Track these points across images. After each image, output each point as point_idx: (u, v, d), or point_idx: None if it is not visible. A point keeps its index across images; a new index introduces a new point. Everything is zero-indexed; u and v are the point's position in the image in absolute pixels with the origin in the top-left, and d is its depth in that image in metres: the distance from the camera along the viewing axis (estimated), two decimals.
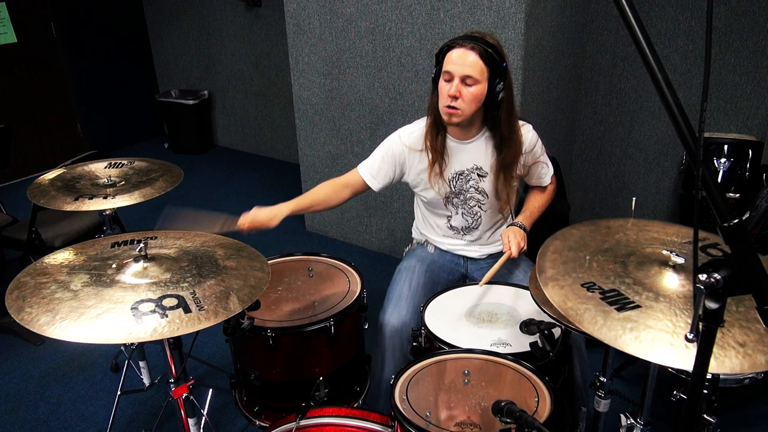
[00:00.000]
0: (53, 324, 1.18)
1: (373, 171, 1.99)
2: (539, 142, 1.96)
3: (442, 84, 1.79)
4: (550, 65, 2.94)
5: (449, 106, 1.78)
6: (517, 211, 2.08)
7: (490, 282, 1.88)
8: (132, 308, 1.24)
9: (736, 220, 0.74)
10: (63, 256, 1.45)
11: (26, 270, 1.38)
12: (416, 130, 1.95)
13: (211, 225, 1.73)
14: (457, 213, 2.00)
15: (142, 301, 1.27)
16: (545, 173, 2.04)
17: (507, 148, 1.87)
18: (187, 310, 1.25)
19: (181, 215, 1.73)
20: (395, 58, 3.05)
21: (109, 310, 1.23)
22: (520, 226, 1.96)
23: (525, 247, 1.91)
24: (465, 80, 1.74)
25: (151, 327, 1.20)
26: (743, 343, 1.02)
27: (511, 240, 1.89)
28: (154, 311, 1.24)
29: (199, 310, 1.25)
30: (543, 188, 2.08)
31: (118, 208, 2.04)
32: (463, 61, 1.73)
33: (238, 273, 1.42)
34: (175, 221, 1.71)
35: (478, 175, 1.93)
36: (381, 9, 2.99)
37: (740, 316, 1.07)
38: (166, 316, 1.22)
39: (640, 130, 3.33)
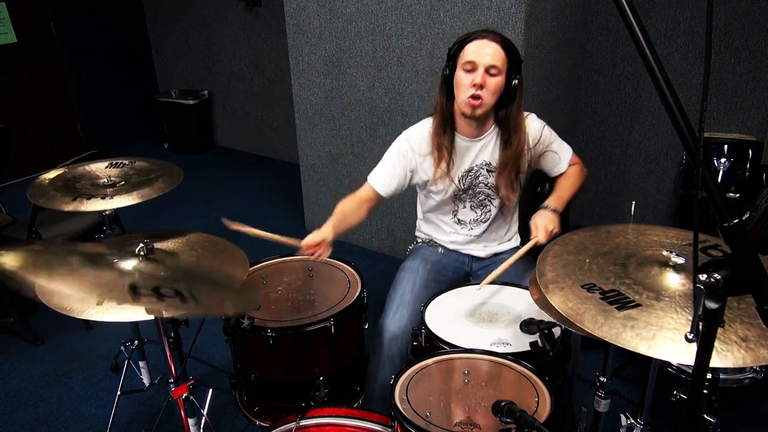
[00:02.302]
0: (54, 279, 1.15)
1: (385, 179, 1.94)
2: (546, 128, 1.94)
3: (461, 76, 1.77)
4: (550, 65, 2.94)
5: (474, 96, 1.76)
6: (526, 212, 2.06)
7: (490, 282, 1.88)
8: (129, 287, 1.19)
9: (736, 220, 0.74)
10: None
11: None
12: (422, 131, 1.93)
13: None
14: (465, 207, 1.99)
15: (140, 285, 1.21)
16: (559, 159, 1.97)
17: (513, 144, 1.86)
18: (183, 300, 1.21)
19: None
20: (395, 58, 3.05)
21: (107, 283, 1.20)
22: (550, 210, 1.86)
23: (557, 230, 1.81)
24: (489, 70, 1.74)
25: (149, 303, 1.16)
26: (745, 337, 1.02)
27: (539, 226, 1.81)
28: (151, 295, 1.19)
29: (196, 303, 1.23)
30: (566, 173, 2.00)
31: (118, 209, 2.03)
32: (488, 50, 1.73)
33: (231, 290, 1.40)
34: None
35: (488, 170, 1.93)
36: (381, 9, 2.99)
37: (741, 312, 1.07)
38: (164, 302, 1.19)
39: (640, 130, 3.33)
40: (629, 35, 0.76)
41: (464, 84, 1.77)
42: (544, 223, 1.81)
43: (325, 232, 1.82)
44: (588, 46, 3.33)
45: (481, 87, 1.75)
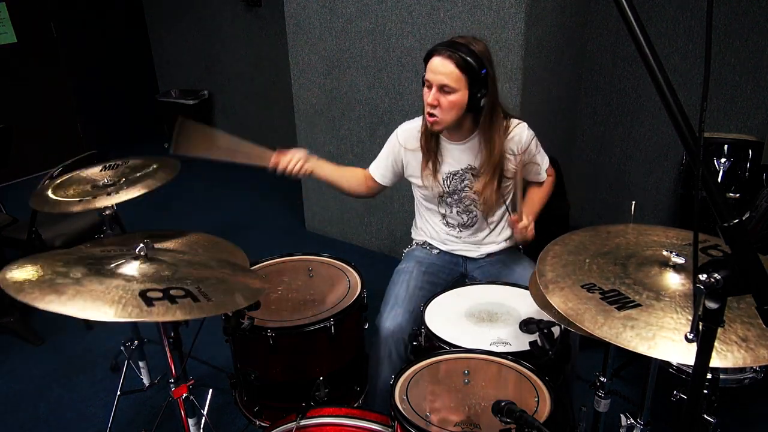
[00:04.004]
0: (65, 302, 1.12)
1: (381, 168, 2.07)
2: (534, 140, 1.95)
3: (424, 91, 1.81)
4: (550, 65, 2.94)
5: (429, 114, 1.80)
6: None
7: (489, 282, 1.89)
8: (140, 294, 1.19)
9: (736, 220, 0.74)
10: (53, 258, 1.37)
11: (16, 265, 1.27)
12: (412, 128, 1.98)
13: (238, 153, 1.87)
14: (452, 212, 2.01)
15: (149, 290, 1.21)
16: (540, 170, 2.04)
17: (489, 151, 1.86)
18: (195, 300, 1.22)
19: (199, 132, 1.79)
20: (395, 58, 3.05)
21: (118, 296, 1.17)
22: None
23: (532, 231, 1.85)
24: (442, 89, 1.74)
25: (164, 310, 1.16)
26: (745, 338, 1.02)
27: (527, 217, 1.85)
28: (163, 298, 1.19)
29: (208, 301, 1.23)
30: (540, 183, 2.08)
31: (121, 205, 2.02)
32: (441, 69, 1.73)
33: (238, 281, 1.40)
34: (193, 138, 1.77)
35: (472, 174, 1.93)
36: (381, 9, 2.99)
37: (741, 312, 1.07)
38: (176, 303, 1.19)
39: (640, 130, 3.33)
40: (629, 35, 0.76)
41: (425, 100, 1.80)
42: (529, 220, 1.86)
43: (304, 152, 1.92)
44: (588, 46, 3.33)
45: (434, 106, 1.77)
